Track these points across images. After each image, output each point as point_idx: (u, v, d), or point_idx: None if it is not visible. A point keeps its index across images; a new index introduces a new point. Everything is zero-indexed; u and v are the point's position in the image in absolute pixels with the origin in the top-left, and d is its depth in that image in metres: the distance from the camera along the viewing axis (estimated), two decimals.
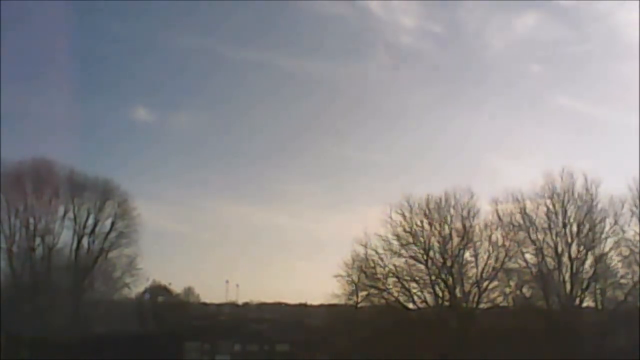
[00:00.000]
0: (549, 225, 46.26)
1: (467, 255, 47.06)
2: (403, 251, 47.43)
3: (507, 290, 47.14)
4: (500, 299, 47.35)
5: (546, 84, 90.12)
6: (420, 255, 47.06)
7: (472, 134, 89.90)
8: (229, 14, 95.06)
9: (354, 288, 49.69)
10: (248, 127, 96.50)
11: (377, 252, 47.66)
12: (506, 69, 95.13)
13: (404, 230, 47.20)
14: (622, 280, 45.55)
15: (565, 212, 46.09)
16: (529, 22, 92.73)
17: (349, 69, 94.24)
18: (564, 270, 45.89)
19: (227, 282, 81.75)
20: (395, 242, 47.37)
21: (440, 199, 47.55)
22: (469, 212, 47.16)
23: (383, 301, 48.77)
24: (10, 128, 73.62)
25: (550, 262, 46.25)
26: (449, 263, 46.68)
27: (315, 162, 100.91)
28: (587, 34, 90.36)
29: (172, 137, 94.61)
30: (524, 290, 47.28)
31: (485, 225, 47.22)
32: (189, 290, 74.60)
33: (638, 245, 44.80)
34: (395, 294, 48.10)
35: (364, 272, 48.39)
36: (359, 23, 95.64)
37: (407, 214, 47.34)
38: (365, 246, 47.60)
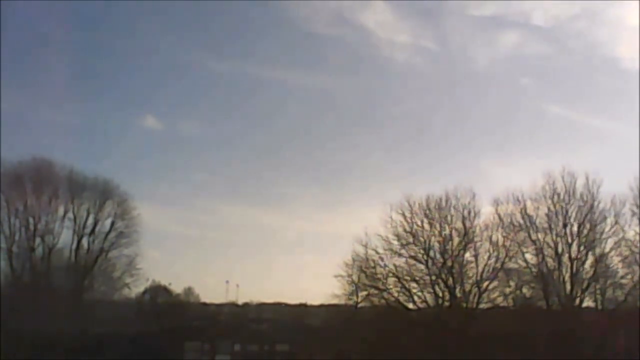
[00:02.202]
0: (550, 226, 46.20)
1: (468, 255, 47.03)
2: (403, 251, 47.40)
3: (507, 290, 47.09)
4: (500, 299, 47.29)
5: (537, 94, 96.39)
6: (420, 255, 47.01)
7: (469, 138, 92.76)
8: (236, 33, 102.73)
9: (354, 288, 49.68)
10: (250, 133, 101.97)
11: (377, 252, 47.64)
12: (498, 80, 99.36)
13: (404, 230, 47.16)
14: (622, 281, 45.47)
15: (565, 212, 46.05)
16: (512, 39, 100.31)
17: (348, 81, 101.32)
18: (564, 271, 45.84)
19: (227, 282, 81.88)
20: (395, 242, 47.36)
21: (441, 199, 47.49)
22: (469, 212, 47.10)
23: (383, 301, 48.70)
24: (19, 132, 76.67)
25: (551, 262, 46.19)
26: (449, 263, 46.61)
27: (316, 165, 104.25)
28: (568, 49, 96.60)
29: (177, 143, 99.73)
30: (524, 290, 47.23)
31: (486, 226, 47.22)
32: (189, 290, 74.68)
33: (638, 245, 44.75)
34: (395, 294, 48.06)
35: (364, 272, 48.33)
36: (358, 40, 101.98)
37: (407, 214, 47.31)
38: (366, 246, 47.59)
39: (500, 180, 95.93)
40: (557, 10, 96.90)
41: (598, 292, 46.32)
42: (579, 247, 45.78)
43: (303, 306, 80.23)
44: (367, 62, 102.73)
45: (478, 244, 46.86)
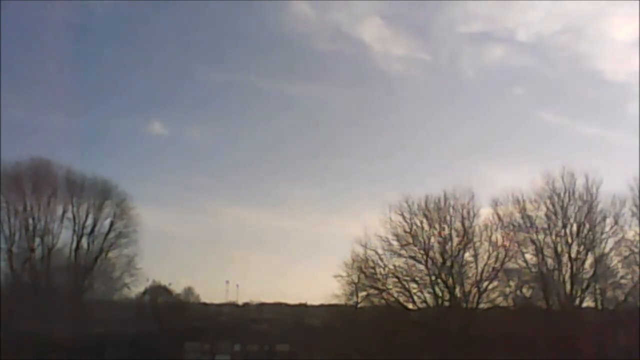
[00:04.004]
0: (549, 226, 46.23)
1: (467, 255, 47.07)
2: (403, 251, 47.46)
3: (507, 290, 47.12)
4: (500, 299, 47.35)
5: (530, 104, 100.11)
6: (420, 256, 47.05)
7: (465, 144, 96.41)
8: (239, 48, 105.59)
9: (354, 288, 49.65)
10: (251, 139, 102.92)
11: (376, 253, 47.73)
12: (487, 89, 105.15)
13: (404, 231, 47.20)
14: (622, 281, 45.50)
15: (565, 212, 46.06)
16: (498, 52, 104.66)
17: (347, 91, 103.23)
18: (563, 271, 45.86)
19: (227, 282, 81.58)
20: (395, 243, 47.43)
21: (440, 200, 47.57)
22: (468, 213, 47.16)
23: (383, 301, 48.74)
24: (24, 135, 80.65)
25: (550, 262, 46.21)
26: (448, 263, 46.63)
27: (316, 169, 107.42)
28: (553, 61, 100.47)
29: (181, 148, 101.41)
30: (524, 290, 47.23)
31: (485, 226, 47.24)
32: (189, 290, 74.40)
33: (638, 245, 44.75)
34: (395, 294, 48.10)
35: (364, 272, 48.35)
36: (355, 54, 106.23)
37: (406, 215, 47.38)
38: (365, 246, 47.66)
39: (497, 184, 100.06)
40: (540, 27, 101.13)
41: (598, 292, 46.37)
42: (578, 247, 45.83)
43: (303, 306, 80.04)
44: (365, 73, 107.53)
45: (477, 244, 46.97)
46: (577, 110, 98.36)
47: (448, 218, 47.05)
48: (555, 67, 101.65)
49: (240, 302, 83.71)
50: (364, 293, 49.44)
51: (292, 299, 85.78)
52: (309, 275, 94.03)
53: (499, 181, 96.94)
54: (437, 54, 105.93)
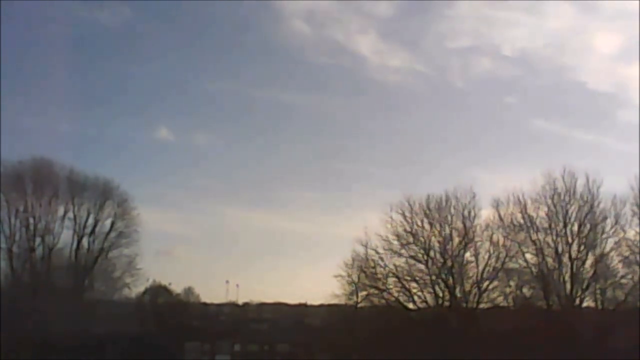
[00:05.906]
0: (550, 225, 46.26)
1: (468, 255, 47.17)
2: (403, 251, 47.56)
3: (508, 290, 47.18)
4: (500, 299, 47.41)
5: (522, 111, 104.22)
6: (420, 255, 47.11)
7: (463, 149, 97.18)
8: (243, 59, 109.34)
9: (354, 288, 49.72)
10: (253, 144, 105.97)
11: (377, 252, 47.78)
12: (477, 99, 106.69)
13: (405, 230, 47.28)
14: (623, 280, 45.55)
15: (566, 212, 46.11)
16: (486, 64, 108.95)
17: (347, 100, 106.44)
18: (564, 270, 45.90)
19: (227, 282, 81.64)
20: (395, 242, 47.52)
21: (441, 199, 47.65)
22: (469, 212, 47.24)
23: (383, 301, 48.78)
24: (29, 139, 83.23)
25: (551, 262, 46.24)
26: (449, 263, 46.68)
27: (317, 172, 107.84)
28: (539, 74, 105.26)
29: (185, 151, 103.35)
30: (524, 290, 47.29)
31: (486, 226, 47.32)
32: (189, 290, 74.41)
33: (638, 245, 44.79)
34: (395, 294, 48.15)
35: (364, 272, 48.40)
36: (353, 66, 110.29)
37: (407, 214, 47.47)
38: (366, 246, 47.74)
39: (496, 187, 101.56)
40: (525, 42, 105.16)
41: (598, 292, 46.43)
42: (579, 247, 45.87)
43: (303, 306, 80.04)
44: (362, 83, 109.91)
45: (478, 243, 47.09)
46: (569, 117, 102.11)
47: (449, 218, 47.20)
48: (541, 78, 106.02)
49: (240, 302, 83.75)
50: (364, 293, 49.52)
51: (292, 299, 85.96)
52: (309, 275, 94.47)
53: (497, 184, 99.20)
54: (430, 66, 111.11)
